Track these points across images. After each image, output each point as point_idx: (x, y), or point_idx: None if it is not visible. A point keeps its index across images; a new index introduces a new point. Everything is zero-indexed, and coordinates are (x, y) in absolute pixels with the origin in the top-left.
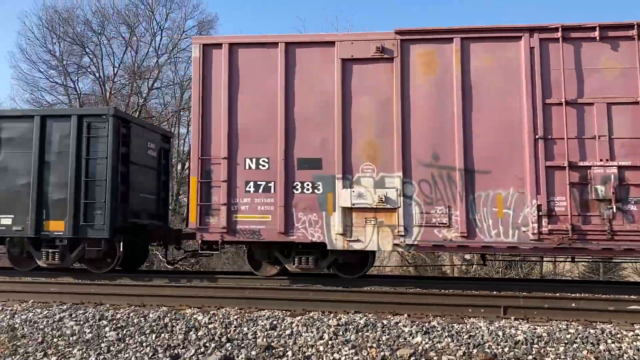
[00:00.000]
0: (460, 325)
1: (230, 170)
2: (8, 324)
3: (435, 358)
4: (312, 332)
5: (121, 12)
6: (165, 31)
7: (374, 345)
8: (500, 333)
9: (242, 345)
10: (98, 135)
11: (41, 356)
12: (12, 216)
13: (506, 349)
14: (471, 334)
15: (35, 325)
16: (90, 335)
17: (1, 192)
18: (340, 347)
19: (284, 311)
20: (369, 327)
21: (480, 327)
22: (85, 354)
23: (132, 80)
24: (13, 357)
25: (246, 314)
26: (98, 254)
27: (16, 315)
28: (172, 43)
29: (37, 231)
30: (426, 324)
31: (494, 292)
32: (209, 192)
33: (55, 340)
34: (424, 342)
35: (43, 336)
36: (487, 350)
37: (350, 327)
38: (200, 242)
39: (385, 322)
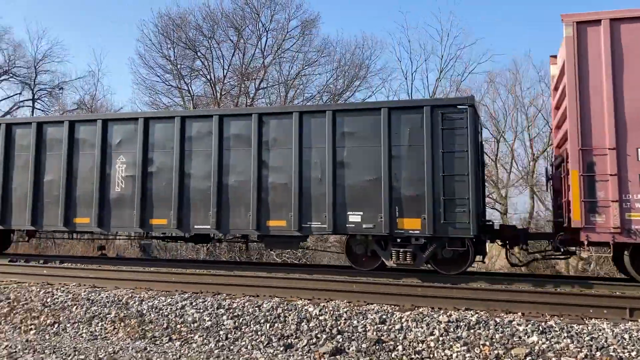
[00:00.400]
0: (581, 326)
1: (620, 163)
2: (137, 310)
3: (553, 359)
4: (422, 327)
5: (229, 16)
6: (270, 32)
7: (487, 343)
8: (626, 336)
9: (353, 337)
10: (454, 127)
11: (167, 340)
12: (361, 213)
13: (633, 353)
14: (593, 335)
15: (161, 312)
16: (210, 323)
17: (347, 189)
18: (451, 343)
19: (392, 306)
20: (481, 325)
21: (604, 329)
22: (205, 340)
23: (240, 81)
24: (142, 340)
25: (355, 308)
26: (453, 255)
27: (144, 302)
28: (276, 44)
29: (391, 229)
30: (542, 324)
31: (618, 293)
32: (593, 187)
33: (178, 326)
34: (540, 341)
35: (168, 322)
36: (612, 353)
37: (461, 324)
38: (586, 243)
39: (498, 320)
